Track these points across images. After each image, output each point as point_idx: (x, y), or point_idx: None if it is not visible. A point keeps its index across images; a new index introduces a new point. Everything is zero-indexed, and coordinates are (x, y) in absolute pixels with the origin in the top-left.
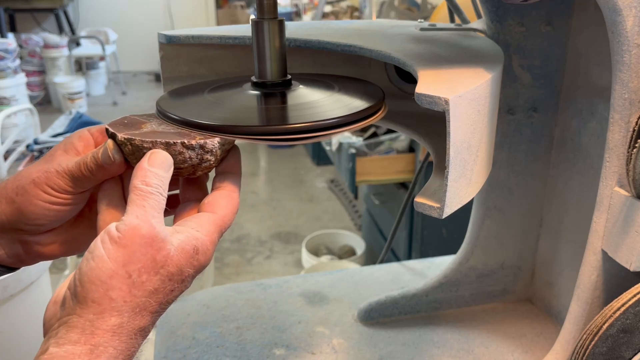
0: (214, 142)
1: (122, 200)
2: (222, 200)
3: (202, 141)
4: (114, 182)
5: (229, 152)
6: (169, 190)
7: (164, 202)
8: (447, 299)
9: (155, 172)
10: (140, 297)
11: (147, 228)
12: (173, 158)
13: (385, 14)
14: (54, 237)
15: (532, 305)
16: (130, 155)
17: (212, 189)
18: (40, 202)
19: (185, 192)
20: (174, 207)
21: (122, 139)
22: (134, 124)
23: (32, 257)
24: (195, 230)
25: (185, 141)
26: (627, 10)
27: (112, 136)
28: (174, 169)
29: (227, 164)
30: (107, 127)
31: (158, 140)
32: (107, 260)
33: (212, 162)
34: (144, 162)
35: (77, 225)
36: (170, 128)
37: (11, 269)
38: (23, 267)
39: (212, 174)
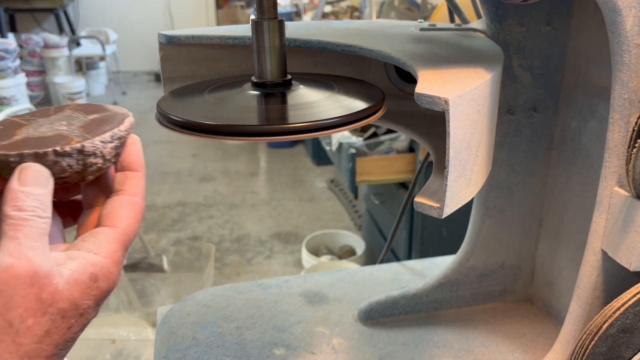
0: (94, 142)
1: None
2: (122, 209)
3: (79, 145)
4: None
5: (127, 145)
6: (73, 196)
7: (46, 224)
8: (447, 299)
9: (28, 192)
10: (29, 344)
11: (24, 265)
12: (49, 169)
13: (385, 14)
14: None
15: (532, 305)
16: (1, 170)
17: (113, 192)
18: None
19: (87, 197)
20: (77, 214)
21: None
22: (10, 129)
23: None
24: (92, 253)
25: (58, 148)
26: (627, 10)
27: None
28: (56, 179)
29: (126, 161)
30: None
31: (25, 152)
32: None
33: (101, 164)
34: (14, 182)
35: None
36: (46, 130)
37: None
38: None
39: None
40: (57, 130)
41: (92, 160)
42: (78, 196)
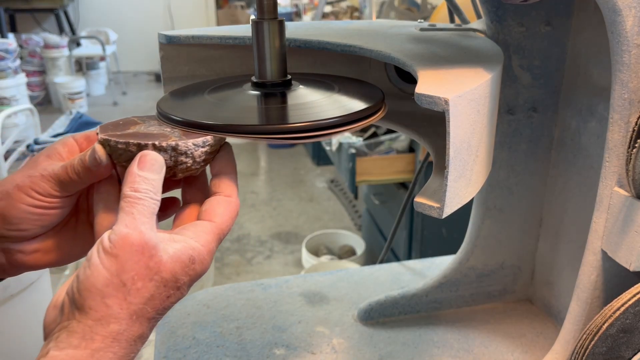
0: (187, 144)
1: (118, 203)
2: (219, 207)
3: (174, 143)
4: (110, 184)
5: (219, 153)
6: (169, 190)
7: (156, 205)
8: (447, 299)
9: (144, 176)
10: (137, 304)
11: (137, 236)
12: None
13: (385, 14)
14: (38, 245)
15: (532, 305)
16: (111, 155)
17: (210, 193)
18: (24, 205)
19: (186, 194)
20: (173, 207)
21: (101, 140)
22: (127, 125)
23: (15, 267)
24: (192, 240)
25: (157, 143)
26: (627, 10)
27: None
28: None
29: (219, 166)
30: (99, 127)
31: (130, 141)
32: (102, 269)
33: (189, 165)
34: (134, 166)
35: (61, 235)
36: (155, 129)
37: None
38: None
39: None
40: (162, 130)
41: (182, 159)
42: (165, 195)
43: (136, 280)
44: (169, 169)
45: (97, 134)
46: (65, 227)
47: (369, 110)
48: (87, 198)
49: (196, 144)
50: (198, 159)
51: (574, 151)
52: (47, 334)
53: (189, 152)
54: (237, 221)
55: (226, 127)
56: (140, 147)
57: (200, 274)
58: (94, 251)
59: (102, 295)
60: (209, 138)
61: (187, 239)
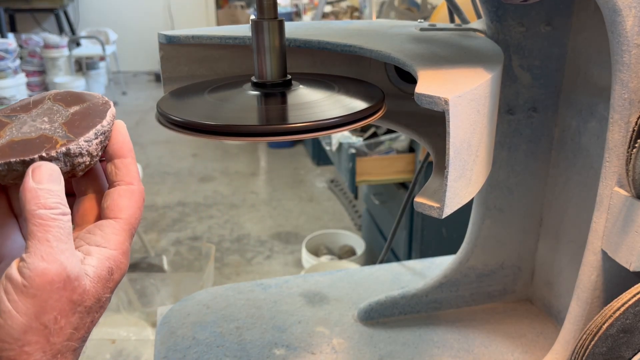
0: (79, 143)
1: (9, 216)
2: (122, 200)
3: (64, 148)
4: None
5: (112, 135)
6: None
7: (69, 221)
8: (447, 299)
9: (48, 189)
10: (60, 342)
11: (56, 269)
12: None
13: (385, 14)
14: None
15: (532, 305)
16: None
17: (108, 184)
18: None
19: (80, 185)
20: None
21: None
22: None
23: None
24: (105, 247)
25: (44, 154)
26: (627, 10)
27: None
28: None
29: (113, 149)
30: None
31: (12, 160)
32: (17, 315)
33: (88, 161)
34: (29, 182)
35: None
36: (29, 128)
37: None
38: None
39: None
40: (40, 129)
41: (79, 160)
42: None
43: (59, 319)
44: (66, 173)
45: None
46: None
47: (369, 110)
48: None
49: (88, 140)
50: (95, 153)
51: (574, 151)
52: None
53: (83, 152)
54: (237, 221)
55: (226, 127)
56: (26, 163)
57: (119, 281)
58: (1, 295)
59: (21, 344)
60: (99, 127)
61: (100, 249)
